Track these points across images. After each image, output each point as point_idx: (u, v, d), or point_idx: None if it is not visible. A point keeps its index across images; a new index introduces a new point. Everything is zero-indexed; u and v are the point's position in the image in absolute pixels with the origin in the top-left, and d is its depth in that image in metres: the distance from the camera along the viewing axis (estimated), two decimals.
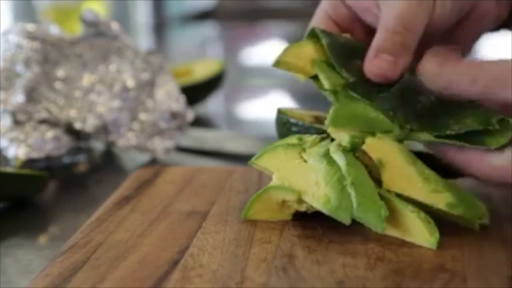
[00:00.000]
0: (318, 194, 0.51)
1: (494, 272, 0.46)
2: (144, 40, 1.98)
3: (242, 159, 0.81)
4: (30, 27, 0.81)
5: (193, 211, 0.56)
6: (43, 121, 0.78)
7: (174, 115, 0.82)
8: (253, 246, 0.50)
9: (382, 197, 0.50)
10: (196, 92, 1.07)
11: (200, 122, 1.00)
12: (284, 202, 0.53)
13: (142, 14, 2.10)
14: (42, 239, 0.62)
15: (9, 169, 0.70)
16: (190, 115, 0.83)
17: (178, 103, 0.82)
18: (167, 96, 0.82)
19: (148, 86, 0.81)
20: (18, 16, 1.83)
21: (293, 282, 0.45)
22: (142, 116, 0.81)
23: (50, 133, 0.77)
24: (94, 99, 0.80)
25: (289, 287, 0.44)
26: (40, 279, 0.46)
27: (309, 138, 0.54)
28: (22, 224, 0.65)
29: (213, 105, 1.14)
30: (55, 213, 0.69)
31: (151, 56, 0.83)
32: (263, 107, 1.16)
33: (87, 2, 1.71)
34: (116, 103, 0.80)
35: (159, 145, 0.81)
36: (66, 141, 0.79)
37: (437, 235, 0.49)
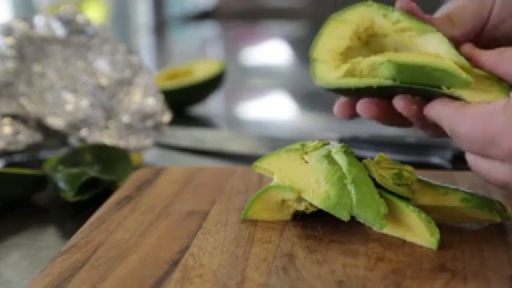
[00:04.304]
0: (318, 191, 0.51)
1: (494, 272, 0.46)
2: (144, 40, 1.98)
3: (242, 159, 0.81)
4: (8, 22, 0.80)
5: (193, 211, 0.56)
6: (14, 116, 0.77)
7: (150, 115, 0.81)
8: (253, 246, 0.50)
9: (381, 196, 0.50)
10: (196, 92, 1.07)
11: (200, 122, 1.00)
12: (283, 201, 0.53)
13: (142, 14, 2.10)
14: (42, 239, 0.62)
15: (9, 169, 0.70)
16: (167, 115, 0.82)
17: (155, 102, 0.81)
18: (145, 95, 0.81)
19: (126, 85, 0.81)
20: (18, 16, 1.83)
21: (293, 282, 0.45)
22: (118, 114, 0.80)
23: (7, 128, 0.76)
24: (68, 97, 0.79)
25: (290, 287, 0.44)
26: (40, 279, 0.46)
27: (311, 144, 0.55)
28: (22, 224, 0.65)
29: (213, 105, 1.14)
30: (55, 213, 0.69)
31: (131, 55, 0.82)
32: (263, 107, 1.16)
33: (87, 2, 1.71)
34: (90, 101, 0.79)
35: (135, 144, 0.80)
36: (24, 137, 0.77)
37: (437, 235, 0.49)
